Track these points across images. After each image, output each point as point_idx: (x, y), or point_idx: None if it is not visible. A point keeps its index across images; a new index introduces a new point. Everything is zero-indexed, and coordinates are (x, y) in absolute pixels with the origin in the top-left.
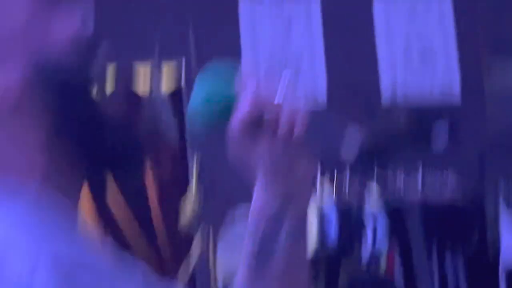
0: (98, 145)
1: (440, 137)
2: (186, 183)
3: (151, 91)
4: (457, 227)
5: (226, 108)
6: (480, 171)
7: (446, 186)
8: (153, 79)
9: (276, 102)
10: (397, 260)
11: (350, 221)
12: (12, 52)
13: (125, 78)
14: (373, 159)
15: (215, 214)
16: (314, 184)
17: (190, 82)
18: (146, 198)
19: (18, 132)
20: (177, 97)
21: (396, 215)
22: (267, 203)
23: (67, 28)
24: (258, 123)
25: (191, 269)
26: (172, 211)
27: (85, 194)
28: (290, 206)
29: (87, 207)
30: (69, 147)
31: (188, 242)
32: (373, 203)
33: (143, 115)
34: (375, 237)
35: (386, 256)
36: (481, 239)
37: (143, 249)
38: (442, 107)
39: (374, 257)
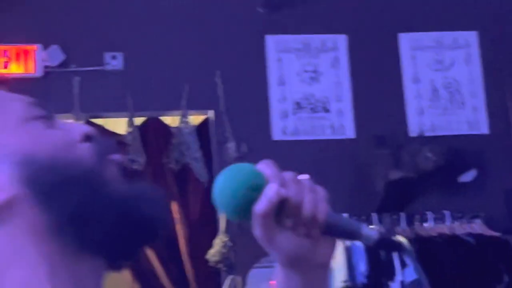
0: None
1: (468, 174)
2: (215, 223)
3: (180, 123)
4: (486, 264)
5: (256, 191)
6: (508, 209)
7: (474, 223)
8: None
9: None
10: None
11: (380, 256)
12: (7, 159)
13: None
14: (403, 196)
15: (245, 256)
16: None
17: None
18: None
19: (15, 238)
20: (205, 131)
21: (425, 251)
22: (287, 283)
23: (54, 135)
24: (280, 210)
25: None
26: (201, 250)
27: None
28: (310, 285)
29: None
30: (77, 249)
31: (215, 281)
32: (402, 239)
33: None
34: (404, 272)
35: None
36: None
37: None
38: (469, 145)
39: None
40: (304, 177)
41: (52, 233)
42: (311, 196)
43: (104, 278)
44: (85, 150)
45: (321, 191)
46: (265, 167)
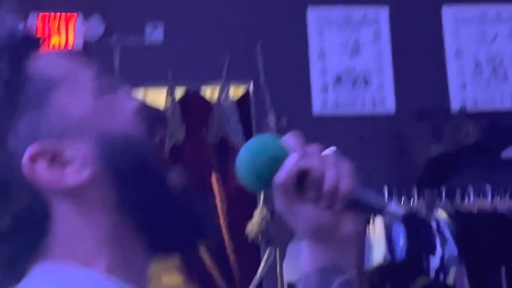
0: (169, 220)
1: (511, 149)
2: (255, 196)
3: (220, 96)
4: None
5: (272, 166)
6: None
7: None
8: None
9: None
10: (465, 272)
11: (419, 232)
12: (81, 133)
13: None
14: (443, 170)
15: (285, 229)
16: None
17: (258, 96)
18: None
19: (87, 213)
20: (245, 104)
21: (465, 226)
22: (314, 259)
23: (127, 109)
24: (302, 182)
25: (258, 280)
26: (240, 223)
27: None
28: (338, 262)
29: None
30: (135, 229)
31: (255, 254)
32: (442, 214)
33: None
34: (444, 248)
35: (455, 268)
36: None
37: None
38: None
39: (443, 269)
40: (330, 150)
41: (118, 212)
42: (334, 169)
43: (150, 264)
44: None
45: (346, 165)
46: (289, 139)
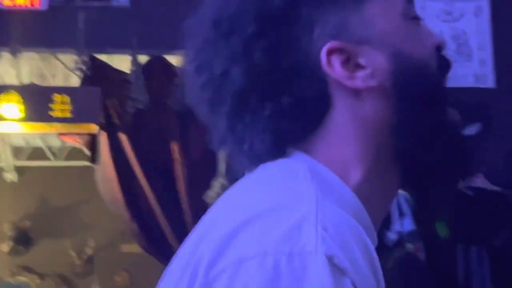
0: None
1: (472, 127)
2: (215, 165)
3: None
4: (485, 217)
5: None
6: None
7: (476, 176)
8: None
9: None
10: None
11: None
12: (381, 46)
13: None
14: None
15: None
16: None
17: None
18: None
19: (361, 122)
20: None
21: (422, 200)
22: None
23: (430, 41)
24: None
25: None
26: (199, 191)
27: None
28: None
29: None
30: (400, 156)
31: None
32: (400, 190)
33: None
34: (402, 222)
35: (413, 237)
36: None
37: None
38: (475, 98)
39: (401, 244)
40: None
41: (390, 132)
42: None
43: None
44: (437, 61)
45: None
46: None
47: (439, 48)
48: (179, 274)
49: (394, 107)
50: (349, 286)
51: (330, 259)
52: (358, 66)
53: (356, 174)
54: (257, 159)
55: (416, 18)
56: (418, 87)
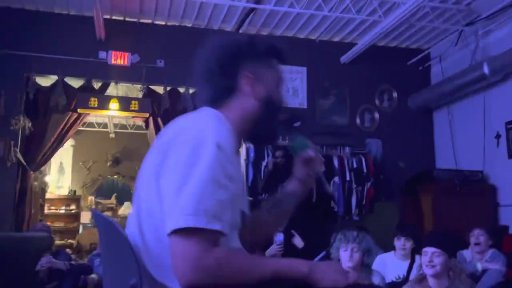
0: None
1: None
2: None
3: None
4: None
5: (306, 147)
6: None
7: None
8: None
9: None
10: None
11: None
12: (265, 86)
13: None
14: None
15: None
16: None
17: None
18: None
19: (246, 104)
20: None
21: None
22: (296, 190)
23: (254, 113)
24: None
25: None
26: None
27: None
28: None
29: None
30: (255, 127)
31: None
32: None
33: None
34: None
35: None
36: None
37: None
38: None
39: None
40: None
41: (253, 114)
42: (319, 161)
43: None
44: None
45: (322, 160)
46: (311, 143)
47: (284, 102)
48: (151, 154)
49: (258, 107)
50: (224, 156)
51: (217, 143)
52: (255, 86)
53: (235, 123)
54: (202, 104)
55: (282, 80)
56: (272, 106)
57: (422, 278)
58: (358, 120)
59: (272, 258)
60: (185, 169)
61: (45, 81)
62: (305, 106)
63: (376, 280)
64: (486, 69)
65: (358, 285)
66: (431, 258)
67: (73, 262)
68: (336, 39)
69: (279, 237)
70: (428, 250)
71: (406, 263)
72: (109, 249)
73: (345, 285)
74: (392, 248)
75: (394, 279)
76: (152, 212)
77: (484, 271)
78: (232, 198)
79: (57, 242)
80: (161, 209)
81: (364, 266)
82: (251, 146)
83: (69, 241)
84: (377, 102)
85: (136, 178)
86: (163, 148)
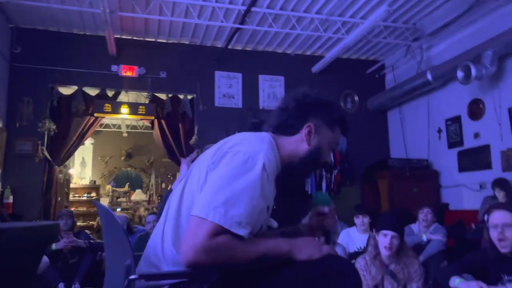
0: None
1: None
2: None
3: None
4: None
5: (325, 203)
6: None
7: None
8: None
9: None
10: None
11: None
12: (317, 142)
13: None
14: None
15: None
16: None
17: None
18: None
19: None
20: None
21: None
22: (303, 232)
23: (301, 153)
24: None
25: None
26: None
27: None
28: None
29: None
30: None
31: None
32: None
33: None
34: None
35: None
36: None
37: None
38: None
39: None
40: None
41: (294, 160)
42: (332, 219)
43: None
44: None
45: (336, 220)
46: (330, 199)
47: (328, 162)
48: (211, 152)
49: (307, 153)
50: (266, 176)
51: (263, 164)
52: (311, 136)
53: (283, 155)
54: (268, 128)
55: (335, 145)
56: (316, 157)
57: (376, 254)
58: None
59: (260, 240)
60: (234, 172)
61: (67, 90)
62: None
63: (339, 251)
64: (429, 76)
65: (331, 255)
66: (390, 241)
67: (91, 241)
68: (308, 53)
69: None
70: (388, 233)
71: (366, 236)
72: (109, 234)
73: (319, 257)
74: (355, 224)
75: (357, 249)
76: (193, 197)
77: (429, 241)
78: (260, 212)
79: (80, 224)
80: (199, 196)
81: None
82: None
83: (91, 222)
84: (342, 104)
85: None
86: (222, 152)
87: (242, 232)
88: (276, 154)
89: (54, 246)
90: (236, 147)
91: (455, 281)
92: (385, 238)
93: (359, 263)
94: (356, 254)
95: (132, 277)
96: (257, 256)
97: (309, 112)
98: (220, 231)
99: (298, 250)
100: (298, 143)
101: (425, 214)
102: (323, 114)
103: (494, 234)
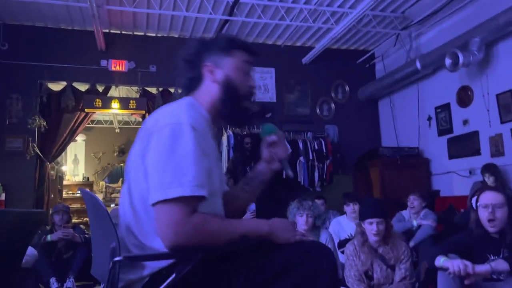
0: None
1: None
2: None
3: None
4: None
5: (272, 133)
6: None
7: None
8: None
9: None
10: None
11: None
12: (226, 73)
13: None
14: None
15: None
16: None
17: None
18: None
19: (213, 89)
20: None
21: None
22: (263, 170)
23: (249, 83)
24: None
25: None
26: None
27: None
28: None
29: None
30: (224, 111)
31: None
32: None
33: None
34: None
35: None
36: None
37: None
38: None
39: None
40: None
41: (217, 103)
42: (282, 147)
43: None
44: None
45: (287, 147)
46: (276, 128)
47: (252, 87)
48: (137, 140)
49: (220, 90)
50: (199, 135)
51: (190, 125)
52: (214, 73)
53: (207, 107)
54: (182, 95)
55: (245, 65)
56: (231, 88)
57: (364, 241)
58: (318, 110)
59: (240, 221)
60: (168, 148)
61: (56, 86)
62: (274, 100)
63: (323, 236)
64: (418, 65)
65: (302, 241)
66: (377, 227)
67: (86, 236)
68: (298, 44)
69: (252, 206)
70: (373, 221)
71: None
72: (95, 219)
73: (294, 241)
74: (345, 212)
75: (347, 237)
76: (141, 188)
77: (419, 226)
78: (209, 171)
79: (74, 220)
80: (147, 185)
81: (315, 227)
82: (231, 134)
83: (85, 219)
84: (333, 95)
85: (126, 161)
86: (147, 134)
87: (204, 192)
88: (199, 110)
89: (49, 237)
90: (158, 125)
91: (440, 260)
92: (371, 226)
93: (349, 249)
94: (346, 241)
95: (116, 258)
96: (237, 236)
97: (200, 56)
98: (186, 203)
99: (276, 233)
100: (209, 88)
101: (411, 201)
102: (214, 48)
103: (484, 214)
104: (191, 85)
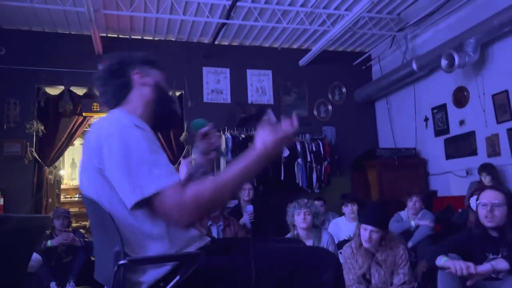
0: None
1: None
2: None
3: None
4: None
5: (203, 126)
6: None
7: None
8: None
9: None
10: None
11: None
12: (153, 79)
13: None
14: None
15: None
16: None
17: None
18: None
19: (143, 95)
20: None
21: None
22: (202, 162)
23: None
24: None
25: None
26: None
27: None
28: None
29: None
30: (154, 115)
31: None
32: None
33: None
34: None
35: None
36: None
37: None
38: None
39: None
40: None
41: (152, 104)
42: (215, 138)
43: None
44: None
45: (218, 136)
46: (205, 121)
47: (173, 101)
48: (86, 154)
49: (152, 91)
50: (145, 132)
51: (134, 125)
52: (143, 77)
53: (139, 112)
54: (108, 107)
55: (161, 77)
56: (162, 90)
57: (361, 243)
58: (315, 112)
59: (231, 166)
60: (123, 153)
61: (54, 90)
62: (271, 102)
63: (325, 237)
64: (414, 66)
65: (309, 247)
66: (369, 235)
67: (86, 240)
68: (295, 46)
69: (250, 208)
70: (368, 228)
71: (355, 224)
72: (96, 224)
73: (285, 135)
74: (343, 213)
75: (346, 238)
76: (111, 201)
77: (417, 227)
78: (168, 163)
79: (73, 224)
80: (118, 194)
81: (314, 227)
82: (230, 136)
83: (83, 223)
84: (330, 96)
85: (79, 183)
86: (95, 150)
87: (177, 178)
88: (132, 116)
89: (49, 243)
90: (102, 136)
91: (441, 260)
92: (364, 232)
93: (346, 252)
94: (345, 243)
95: (121, 262)
96: (238, 180)
97: (123, 65)
98: (173, 188)
99: (271, 145)
100: (140, 91)
101: (414, 202)
102: (138, 61)
103: (482, 212)
104: (119, 95)
